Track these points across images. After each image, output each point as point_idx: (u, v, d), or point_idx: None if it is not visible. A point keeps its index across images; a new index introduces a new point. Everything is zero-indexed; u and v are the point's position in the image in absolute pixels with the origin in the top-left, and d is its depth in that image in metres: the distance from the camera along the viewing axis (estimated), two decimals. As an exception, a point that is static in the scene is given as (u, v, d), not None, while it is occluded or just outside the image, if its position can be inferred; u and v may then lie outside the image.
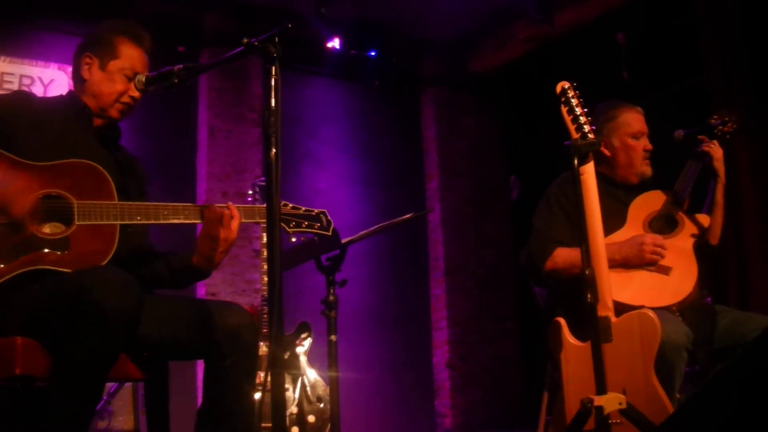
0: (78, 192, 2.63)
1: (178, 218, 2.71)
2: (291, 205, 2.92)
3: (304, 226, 2.91)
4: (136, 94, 2.89)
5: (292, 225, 2.89)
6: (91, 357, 2.39)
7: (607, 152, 3.67)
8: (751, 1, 5.53)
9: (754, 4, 5.50)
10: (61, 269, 2.53)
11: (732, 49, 5.62)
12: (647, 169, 3.72)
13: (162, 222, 2.69)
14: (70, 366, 2.39)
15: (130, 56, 2.92)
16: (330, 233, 2.97)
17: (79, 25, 2.88)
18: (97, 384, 2.48)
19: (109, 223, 2.63)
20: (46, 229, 2.59)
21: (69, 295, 2.40)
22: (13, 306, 2.50)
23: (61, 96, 3.03)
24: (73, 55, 2.98)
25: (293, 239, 2.94)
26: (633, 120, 3.72)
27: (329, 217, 2.98)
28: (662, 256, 3.36)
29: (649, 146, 3.71)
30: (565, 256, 3.45)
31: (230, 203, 2.77)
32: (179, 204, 2.73)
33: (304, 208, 2.94)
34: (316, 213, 2.96)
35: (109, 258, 2.60)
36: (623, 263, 3.37)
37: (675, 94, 6.15)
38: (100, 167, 2.70)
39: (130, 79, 2.88)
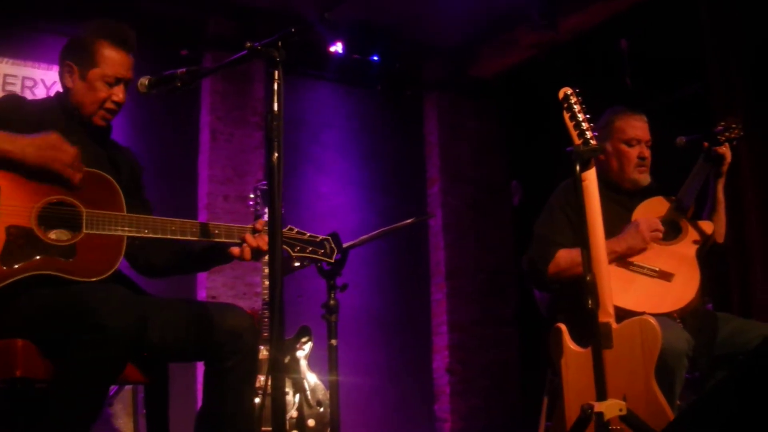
0: (88, 201, 2.63)
1: (186, 235, 2.73)
2: (296, 230, 2.93)
3: (308, 251, 2.92)
4: (120, 98, 2.87)
5: (296, 249, 2.91)
6: (92, 373, 2.40)
7: (601, 156, 3.65)
8: (753, 6, 5.52)
9: (755, 10, 5.50)
10: (66, 276, 2.53)
11: (734, 54, 5.62)
12: (641, 177, 3.69)
13: (169, 237, 2.71)
14: (71, 380, 2.40)
15: (111, 62, 2.86)
16: (333, 260, 2.99)
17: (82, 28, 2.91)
18: (97, 397, 2.49)
19: (116, 234, 2.63)
20: (53, 235, 2.60)
21: (71, 312, 2.40)
22: (15, 309, 2.50)
23: (50, 97, 3.02)
24: (58, 60, 2.94)
25: (296, 264, 2.96)
26: (627, 126, 3.69)
27: (333, 245, 2.99)
28: (661, 232, 3.41)
29: (645, 154, 3.68)
30: (567, 256, 3.46)
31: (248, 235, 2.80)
32: (187, 221, 2.74)
33: (309, 234, 2.95)
34: (320, 239, 2.97)
35: (114, 269, 2.61)
36: (627, 253, 3.39)
37: (678, 100, 6.14)
38: (111, 179, 2.71)
39: (112, 85, 2.86)
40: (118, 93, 2.87)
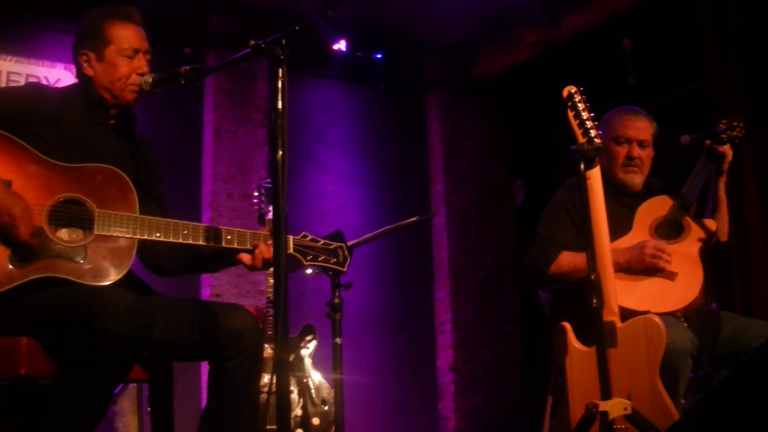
0: (100, 200, 2.61)
1: (198, 240, 2.70)
2: (310, 237, 2.90)
3: (320, 260, 2.90)
4: (143, 69, 2.85)
5: (309, 258, 2.88)
6: (95, 376, 2.39)
7: None
8: (752, 5, 5.52)
9: (755, 9, 5.49)
10: (74, 279, 2.51)
11: (734, 52, 5.61)
12: (626, 177, 3.63)
13: (181, 241, 2.68)
14: (74, 382, 2.39)
15: (124, 36, 2.86)
16: (344, 269, 2.97)
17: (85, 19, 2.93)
18: (100, 399, 2.48)
19: (127, 237, 2.61)
20: (64, 234, 2.57)
21: (77, 314, 2.39)
22: (20, 308, 2.49)
23: (73, 86, 2.97)
24: (71, 57, 2.93)
25: (308, 271, 2.95)
26: (618, 124, 3.63)
27: (346, 253, 2.97)
28: (665, 261, 3.31)
29: (634, 154, 3.61)
30: (569, 259, 3.44)
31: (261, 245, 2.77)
32: (199, 225, 2.72)
33: (322, 241, 2.92)
34: (334, 247, 2.94)
35: (123, 274, 2.59)
36: (627, 267, 3.35)
37: (681, 99, 6.13)
38: (125, 176, 2.69)
39: (131, 57, 2.85)
40: (140, 65, 2.86)
